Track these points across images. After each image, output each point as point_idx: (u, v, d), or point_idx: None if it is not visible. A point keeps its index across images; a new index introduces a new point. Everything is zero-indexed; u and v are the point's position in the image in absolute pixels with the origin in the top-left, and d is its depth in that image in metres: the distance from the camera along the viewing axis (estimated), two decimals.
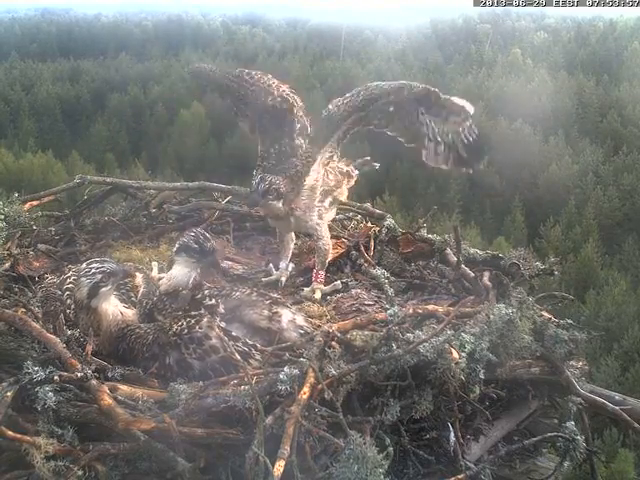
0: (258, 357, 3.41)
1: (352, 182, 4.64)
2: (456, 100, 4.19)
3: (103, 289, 3.60)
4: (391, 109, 4.15)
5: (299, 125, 4.42)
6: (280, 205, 4.17)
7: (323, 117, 4.28)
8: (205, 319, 3.46)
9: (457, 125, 4.20)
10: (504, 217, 34.60)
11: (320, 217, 4.40)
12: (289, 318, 3.69)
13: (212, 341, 3.34)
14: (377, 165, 4.83)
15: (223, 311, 3.63)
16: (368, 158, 4.80)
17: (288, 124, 4.40)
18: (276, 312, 3.69)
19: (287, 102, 4.44)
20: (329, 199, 4.46)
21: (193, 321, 3.44)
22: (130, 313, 3.74)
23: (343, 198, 4.66)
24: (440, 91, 4.17)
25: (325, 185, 4.36)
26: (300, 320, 3.72)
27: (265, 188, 4.07)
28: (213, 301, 3.67)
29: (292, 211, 4.24)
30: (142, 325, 3.60)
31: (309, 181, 4.22)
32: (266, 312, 3.68)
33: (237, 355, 3.18)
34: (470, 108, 4.21)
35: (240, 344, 3.41)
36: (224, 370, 3.26)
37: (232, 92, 4.54)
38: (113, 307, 3.67)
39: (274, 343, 3.57)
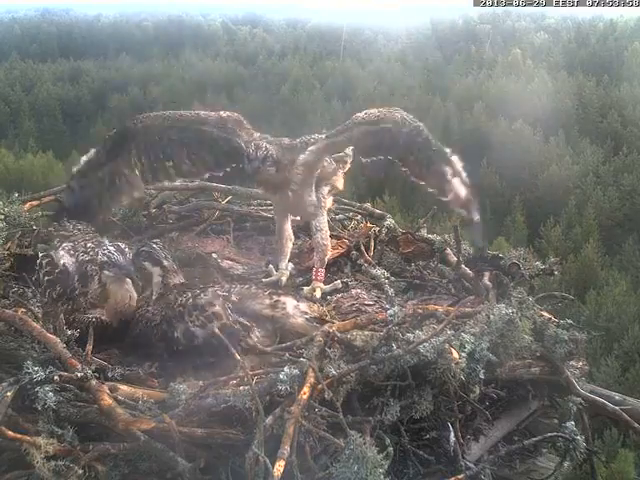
0: (258, 333, 3.44)
1: (347, 167, 4.65)
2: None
3: (106, 272, 3.67)
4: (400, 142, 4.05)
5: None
6: (274, 171, 4.13)
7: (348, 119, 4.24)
8: (211, 290, 3.47)
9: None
10: (504, 217, 34.56)
11: (319, 202, 4.38)
12: (294, 304, 3.70)
13: (216, 308, 3.38)
14: None
15: (236, 299, 3.65)
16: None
17: (245, 124, 4.40)
18: (277, 300, 3.71)
19: (235, 115, 4.43)
20: (327, 187, 4.47)
21: (198, 291, 3.48)
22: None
23: (340, 185, 4.64)
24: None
25: (321, 170, 4.35)
26: (304, 307, 3.74)
27: (263, 154, 4.05)
28: (225, 293, 3.71)
29: (288, 183, 4.20)
30: (150, 308, 3.64)
31: (303, 157, 4.18)
32: (267, 301, 3.69)
33: (234, 349, 3.18)
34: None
35: (242, 319, 3.45)
36: (227, 340, 3.18)
37: (192, 119, 4.41)
38: (124, 291, 3.74)
39: (279, 331, 3.58)
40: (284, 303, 3.69)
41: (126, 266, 3.70)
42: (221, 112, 4.46)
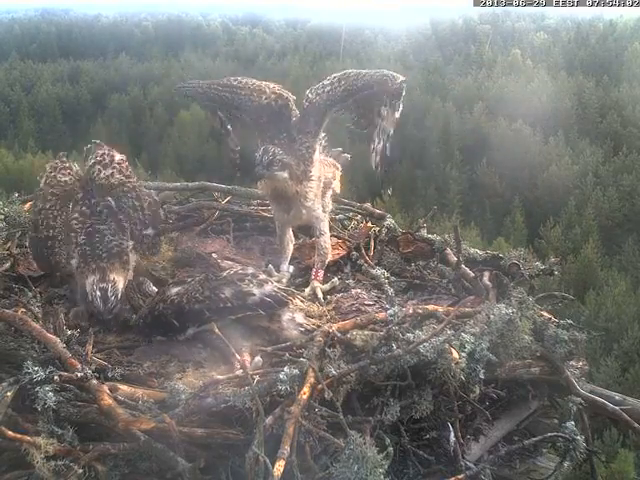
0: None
1: (339, 174, 4.69)
2: None
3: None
4: (372, 101, 4.17)
5: (294, 119, 4.38)
6: (286, 175, 4.10)
7: (306, 107, 4.28)
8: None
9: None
10: (504, 217, 34.58)
11: (324, 210, 4.42)
12: (288, 317, 3.70)
13: (262, 276, 3.79)
14: (349, 156, 4.90)
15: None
16: (340, 149, 4.87)
17: (285, 119, 4.36)
18: (274, 312, 3.71)
19: (282, 97, 4.42)
20: (329, 192, 4.51)
21: (239, 268, 3.87)
22: None
23: (338, 189, 4.70)
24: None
25: (324, 178, 4.38)
26: (299, 318, 3.74)
27: (269, 159, 4.02)
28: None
29: (303, 199, 4.21)
30: (173, 292, 3.70)
31: (315, 172, 4.21)
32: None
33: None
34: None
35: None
36: (276, 303, 3.64)
37: (226, 102, 4.50)
38: None
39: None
40: (279, 315, 3.71)
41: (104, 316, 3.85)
42: (271, 98, 4.39)
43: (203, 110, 4.83)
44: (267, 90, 4.44)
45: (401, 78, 4.14)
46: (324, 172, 4.39)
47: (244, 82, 4.51)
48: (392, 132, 4.23)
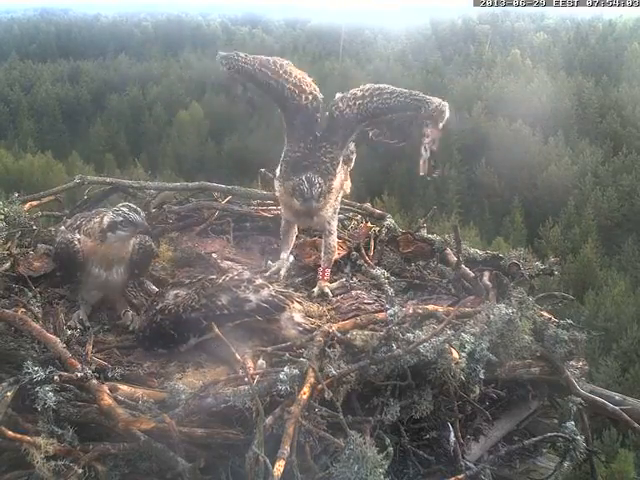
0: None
1: (351, 165, 4.68)
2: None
3: (119, 232, 3.83)
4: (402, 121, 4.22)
5: (322, 122, 4.35)
6: (323, 201, 4.15)
7: (335, 116, 4.26)
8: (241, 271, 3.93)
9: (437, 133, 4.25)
10: (503, 217, 34.64)
11: (334, 212, 4.43)
12: (286, 316, 3.70)
13: (259, 280, 3.77)
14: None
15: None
16: None
17: (315, 122, 4.32)
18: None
19: (317, 100, 4.38)
20: (341, 194, 4.50)
21: (234, 273, 3.84)
22: None
23: (348, 189, 4.69)
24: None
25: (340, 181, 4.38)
26: (298, 317, 3.74)
27: (318, 191, 4.06)
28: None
29: (319, 211, 4.22)
30: (170, 301, 3.69)
31: (336, 184, 4.23)
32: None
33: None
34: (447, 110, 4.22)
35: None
36: (273, 308, 3.62)
37: (269, 90, 4.42)
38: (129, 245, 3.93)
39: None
40: (278, 315, 3.71)
41: (143, 225, 3.87)
42: (309, 100, 4.33)
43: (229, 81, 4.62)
44: (307, 89, 4.37)
45: (435, 103, 4.14)
46: (340, 176, 4.38)
47: (289, 72, 4.42)
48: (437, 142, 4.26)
